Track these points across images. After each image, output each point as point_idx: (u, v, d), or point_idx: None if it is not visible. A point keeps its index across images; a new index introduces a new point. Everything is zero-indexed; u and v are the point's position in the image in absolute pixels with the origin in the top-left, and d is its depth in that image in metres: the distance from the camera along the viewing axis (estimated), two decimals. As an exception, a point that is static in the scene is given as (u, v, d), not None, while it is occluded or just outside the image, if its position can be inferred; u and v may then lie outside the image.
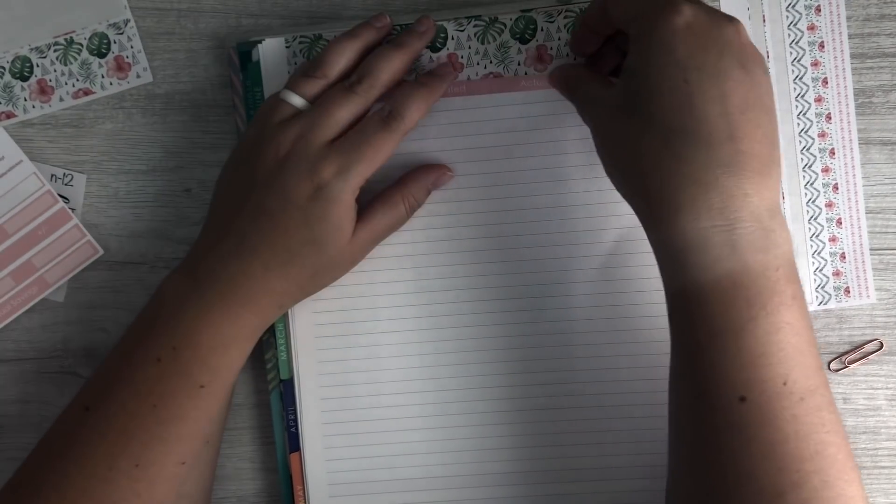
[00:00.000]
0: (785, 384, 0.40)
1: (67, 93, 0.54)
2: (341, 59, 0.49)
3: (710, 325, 0.41)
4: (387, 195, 0.50)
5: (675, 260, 0.42)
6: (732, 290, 0.41)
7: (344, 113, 0.48)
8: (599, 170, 0.52)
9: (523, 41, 0.52)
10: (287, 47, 0.53)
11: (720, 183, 0.41)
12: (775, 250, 0.41)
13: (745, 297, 0.41)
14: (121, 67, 0.54)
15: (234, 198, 0.48)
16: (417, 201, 0.51)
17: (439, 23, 0.52)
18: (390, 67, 0.49)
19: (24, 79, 0.54)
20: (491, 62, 0.52)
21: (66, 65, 0.54)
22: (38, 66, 0.54)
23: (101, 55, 0.54)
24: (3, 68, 0.54)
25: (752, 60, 0.42)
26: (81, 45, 0.54)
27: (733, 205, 0.41)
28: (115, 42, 0.54)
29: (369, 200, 0.50)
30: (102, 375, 0.48)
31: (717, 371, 0.41)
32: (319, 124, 0.47)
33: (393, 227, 0.51)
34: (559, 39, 0.51)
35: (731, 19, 0.43)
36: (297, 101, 0.48)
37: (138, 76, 0.55)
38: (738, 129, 0.41)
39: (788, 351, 0.41)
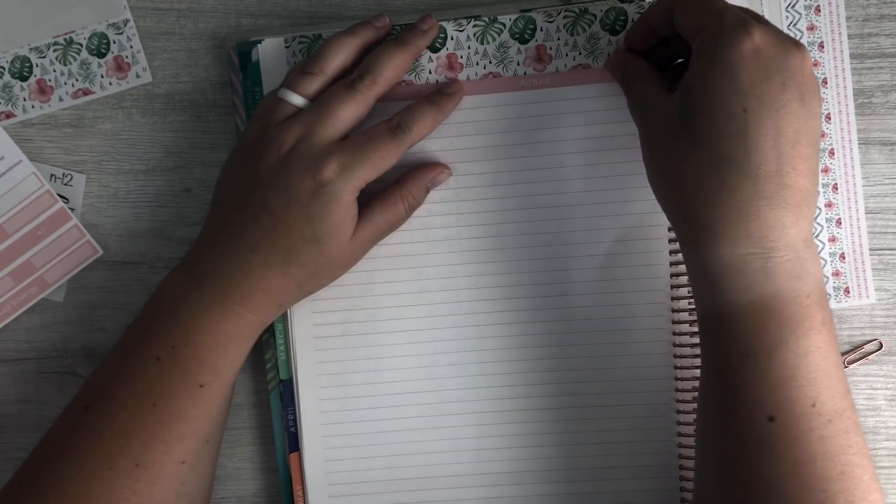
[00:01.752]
0: (813, 406, 0.41)
1: (67, 93, 0.54)
2: (339, 56, 0.49)
3: (741, 347, 0.42)
4: (385, 194, 0.50)
5: (709, 282, 0.42)
6: (764, 314, 0.41)
7: (346, 111, 0.48)
8: (599, 170, 0.52)
9: (523, 41, 0.52)
10: (287, 47, 0.52)
11: (762, 214, 0.41)
12: (807, 278, 0.41)
13: (776, 321, 0.41)
14: (120, 67, 0.54)
15: (236, 196, 0.48)
16: (416, 200, 0.51)
17: (439, 23, 0.52)
18: (393, 64, 0.49)
19: (24, 79, 0.54)
20: (490, 62, 0.52)
21: (65, 65, 0.54)
22: (37, 65, 0.54)
23: (101, 55, 0.54)
24: (3, 68, 0.54)
25: (810, 92, 0.42)
26: (81, 45, 0.54)
27: (771, 235, 0.41)
28: (114, 42, 0.54)
29: (368, 200, 0.50)
30: (102, 375, 0.48)
31: (746, 391, 0.41)
32: (322, 123, 0.47)
33: (392, 226, 0.51)
34: (559, 39, 0.51)
35: (797, 46, 0.42)
36: (297, 100, 0.48)
37: (138, 76, 0.55)
38: (787, 162, 0.41)
39: (817, 374, 0.41)
